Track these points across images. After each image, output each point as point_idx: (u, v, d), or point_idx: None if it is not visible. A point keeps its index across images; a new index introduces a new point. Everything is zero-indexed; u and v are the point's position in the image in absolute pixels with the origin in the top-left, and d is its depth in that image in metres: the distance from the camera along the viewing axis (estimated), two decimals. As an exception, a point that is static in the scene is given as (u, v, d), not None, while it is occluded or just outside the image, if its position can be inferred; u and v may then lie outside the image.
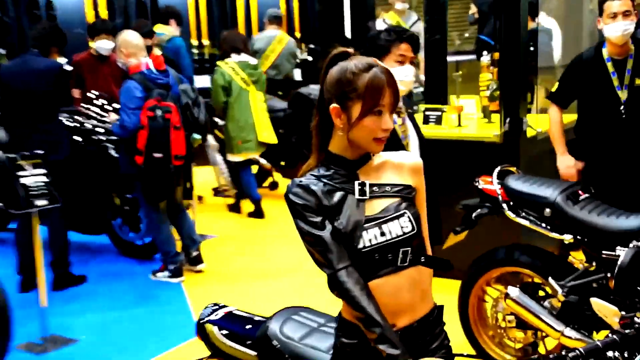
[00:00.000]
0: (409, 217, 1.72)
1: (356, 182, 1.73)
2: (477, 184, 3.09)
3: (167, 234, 4.58)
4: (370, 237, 1.69)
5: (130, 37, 4.47)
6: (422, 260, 1.73)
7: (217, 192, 7.01)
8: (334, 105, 1.70)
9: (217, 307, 2.28)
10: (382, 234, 1.69)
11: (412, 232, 1.71)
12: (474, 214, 3.05)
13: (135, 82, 4.32)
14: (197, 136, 4.61)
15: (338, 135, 1.72)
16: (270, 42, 7.34)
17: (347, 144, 1.72)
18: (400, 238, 1.70)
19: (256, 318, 2.17)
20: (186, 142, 4.40)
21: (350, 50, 1.74)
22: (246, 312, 2.24)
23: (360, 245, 1.68)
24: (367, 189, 1.73)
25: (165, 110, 4.26)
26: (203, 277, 4.71)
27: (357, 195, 1.72)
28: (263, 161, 6.63)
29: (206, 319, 2.22)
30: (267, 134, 5.96)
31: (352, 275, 1.67)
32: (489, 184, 3.05)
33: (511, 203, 2.99)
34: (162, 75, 4.41)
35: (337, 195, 1.72)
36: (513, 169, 3.16)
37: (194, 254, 4.71)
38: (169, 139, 4.26)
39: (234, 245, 5.40)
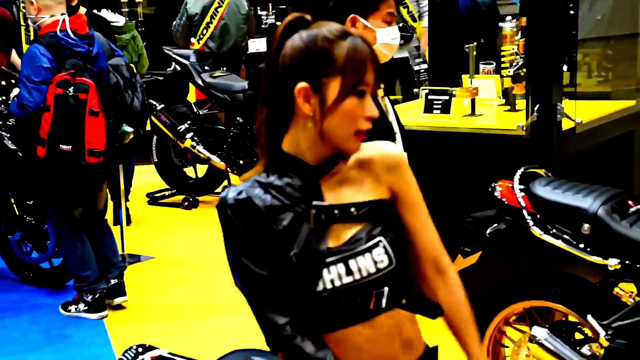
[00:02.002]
0: (384, 247, 1.69)
1: (313, 204, 1.68)
2: (493, 190, 3.10)
3: (84, 253, 4.56)
4: (333, 277, 1.66)
5: None
6: (403, 303, 1.72)
7: (153, 199, 7.00)
8: (301, 84, 1.65)
9: (142, 349, 2.26)
10: (349, 272, 1.67)
11: (390, 268, 1.69)
12: (488, 230, 3.06)
13: (42, 48, 4.28)
14: (128, 128, 4.60)
15: (302, 127, 1.68)
16: (209, 5, 7.30)
17: (311, 141, 1.68)
18: (373, 277, 1.68)
19: (194, 364, 2.16)
20: (111, 135, 4.38)
21: (308, 16, 1.72)
22: (181, 357, 2.22)
23: (320, 288, 1.66)
24: (324, 215, 1.68)
25: (80, 88, 4.22)
26: (132, 312, 4.69)
27: (312, 224, 1.67)
28: (215, 159, 6.65)
29: (127, 365, 2.20)
30: None
31: (300, 328, 1.67)
32: (509, 190, 3.06)
33: (538, 216, 3.01)
34: (83, 41, 4.38)
35: (289, 217, 1.68)
36: (541, 171, 3.18)
37: (113, 282, 4.68)
38: (83, 127, 4.22)
39: (175, 271, 5.40)
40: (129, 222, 5.98)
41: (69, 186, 4.38)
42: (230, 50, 7.43)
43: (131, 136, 4.66)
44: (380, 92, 3.08)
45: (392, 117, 3.10)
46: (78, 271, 4.57)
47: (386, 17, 2.91)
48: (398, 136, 3.10)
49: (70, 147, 4.22)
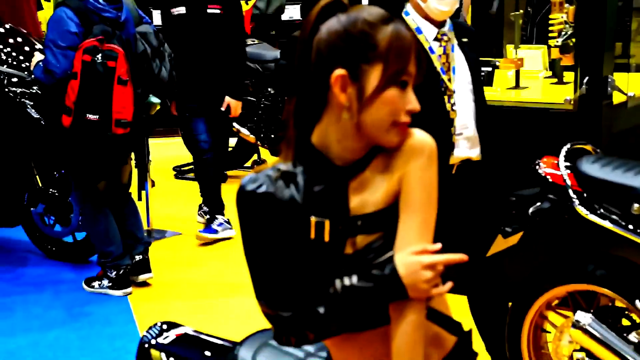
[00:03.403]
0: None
1: (312, 221, 1.63)
2: (537, 167, 3.09)
3: (108, 228, 4.61)
4: (346, 283, 1.64)
5: None
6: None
7: (180, 172, 7.06)
8: (339, 71, 1.60)
9: (167, 326, 2.29)
10: (365, 279, 1.64)
11: None
12: (531, 209, 3.04)
13: (70, 11, 4.31)
14: (155, 99, 4.63)
15: (336, 119, 1.64)
16: None
17: (344, 134, 1.64)
18: None
19: (220, 342, 2.19)
20: (138, 105, 4.41)
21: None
22: (207, 335, 2.26)
23: (332, 291, 1.64)
24: (326, 230, 1.63)
25: (109, 55, 4.25)
26: (156, 289, 4.75)
27: (327, 234, 1.63)
28: (245, 132, 6.67)
29: (151, 342, 2.23)
30: None
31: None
32: (554, 167, 3.05)
33: (585, 195, 2.99)
34: (112, 6, 4.40)
35: (306, 218, 1.64)
36: (589, 147, 3.16)
37: (138, 258, 4.74)
38: (111, 96, 4.26)
39: (201, 247, 5.45)
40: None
41: (94, 158, 4.42)
42: (275, 12, 7.46)
43: (158, 107, 4.68)
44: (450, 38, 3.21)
45: (458, 61, 3.23)
46: (102, 246, 4.63)
47: None
48: (464, 81, 3.24)
49: (98, 116, 4.25)
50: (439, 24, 3.19)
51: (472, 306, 3.45)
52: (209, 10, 5.35)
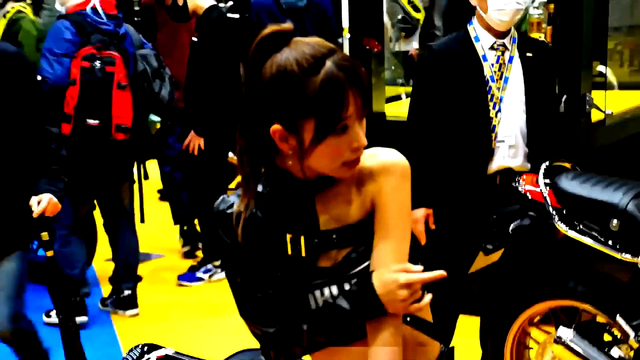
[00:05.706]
0: None
1: (287, 237, 1.66)
2: (516, 184, 3.10)
3: (76, 251, 4.54)
4: (326, 298, 1.65)
5: None
6: (407, 321, 1.70)
7: (165, 194, 7.02)
8: (275, 126, 1.59)
9: (148, 348, 2.28)
10: (344, 293, 1.66)
11: None
12: (511, 226, 3.06)
13: (67, 22, 4.32)
14: (155, 118, 4.61)
15: (287, 160, 1.65)
16: None
17: (298, 169, 1.64)
18: None
19: (201, 364, 2.18)
20: (138, 113, 4.39)
21: (288, 25, 1.60)
22: (188, 356, 2.25)
23: (314, 306, 1.67)
24: (302, 246, 1.65)
25: (107, 61, 4.27)
26: (140, 311, 4.74)
27: (303, 250, 1.65)
28: (230, 155, 6.63)
29: (132, 364, 2.22)
30: None
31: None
32: (534, 184, 3.06)
33: (564, 211, 3.00)
34: (111, 21, 4.42)
35: (278, 236, 1.66)
36: (568, 164, 3.17)
37: (127, 292, 4.67)
38: (110, 101, 4.25)
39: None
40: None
41: (95, 166, 4.37)
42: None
43: (158, 126, 4.66)
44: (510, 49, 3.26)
45: (515, 73, 3.27)
46: (64, 268, 4.52)
47: None
48: (517, 93, 3.26)
49: (98, 121, 4.24)
50: (500, 34, 3.27)
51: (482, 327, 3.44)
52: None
